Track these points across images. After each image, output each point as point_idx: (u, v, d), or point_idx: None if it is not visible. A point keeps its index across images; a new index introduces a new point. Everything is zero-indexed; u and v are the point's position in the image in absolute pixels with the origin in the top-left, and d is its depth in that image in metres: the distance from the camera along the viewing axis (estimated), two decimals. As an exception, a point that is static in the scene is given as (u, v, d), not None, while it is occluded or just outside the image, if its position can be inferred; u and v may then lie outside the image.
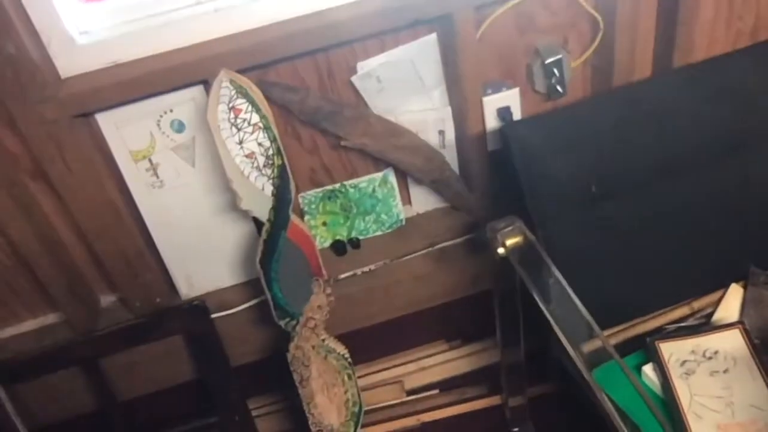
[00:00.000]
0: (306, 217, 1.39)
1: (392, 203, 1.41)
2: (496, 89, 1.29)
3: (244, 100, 1.12)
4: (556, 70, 1.30)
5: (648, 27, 1.29)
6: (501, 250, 1.16)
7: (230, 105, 1.11)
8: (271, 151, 1.16)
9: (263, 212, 1.19)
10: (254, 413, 1.53)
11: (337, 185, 1.38)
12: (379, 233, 1.43)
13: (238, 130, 1.13)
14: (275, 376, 1.41)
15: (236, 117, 1.12)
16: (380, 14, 1.12)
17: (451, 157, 1.37)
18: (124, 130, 1.19)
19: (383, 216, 1.41)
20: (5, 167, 1.17)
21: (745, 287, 1.16)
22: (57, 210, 1.24)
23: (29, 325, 1.39)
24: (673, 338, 1.08)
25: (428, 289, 1.46)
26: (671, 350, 1.07)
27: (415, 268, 1.42)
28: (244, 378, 1.46)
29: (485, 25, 1.23)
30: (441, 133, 1.34)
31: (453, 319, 1.59)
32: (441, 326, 1.62)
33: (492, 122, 1.30)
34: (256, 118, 1.13)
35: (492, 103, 1.28)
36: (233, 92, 1.11)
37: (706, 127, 1.13)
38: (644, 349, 1.11)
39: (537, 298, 1.05)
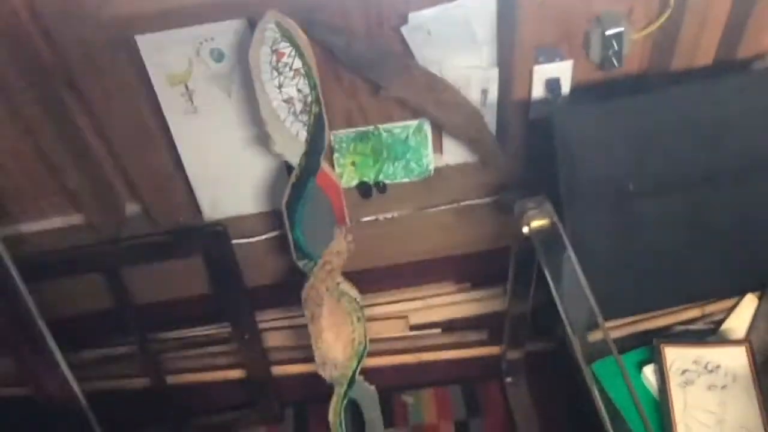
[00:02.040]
0: (335, 155, 1.37)
1: (424, 152, 1.39)
2: (549, 58, 1.23)
3: (288, 45, 1.08)
4: (615, 42, 1.24)
5: (720, 12, 1.22)
6: (525, 230, 1.16)
7: (273, 48, 1.08)
8: (309, 99, 1.14)
9: (295, 157, 1.18)
10: (264, 326, 1.59)
11: (371, 127, 1.35)
12: (406, 180, 1.42)
13: (279, 74, 1.10)
14: (286, 298, 1.46)
15: (278, 61, 1.09)
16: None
17: (490, 117, 1.34)
18: (163, 54, 1.16)
19: (413, 164, 1.40)
20: (39, 75, 1.15)
21: (760, 299, 1.17)
22: (89, 125, 1.24)
23: (54, 222, 1.42)
24: (679, 344, 1.10)
25: (447, 239, 1.48)
26: (674, 356, 1.09)
27: (437, 219, 1.42)
28: (256, 296, 1.50)
29: (549, -13, 1.16)
30: (484, 92, 1.30)
31: (467, 267, 1.62)
32: (453, 270, 1.65)
33: (538, 91, 1.26)
34: (298, 63, 1.10)
35: (542, 72, 1.23)
36: (278, 35, 1.07)
37: (755, 140, 1.09)
38: (649, 347, 1.13)
39: (550, 283, 1.06)
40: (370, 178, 1.42)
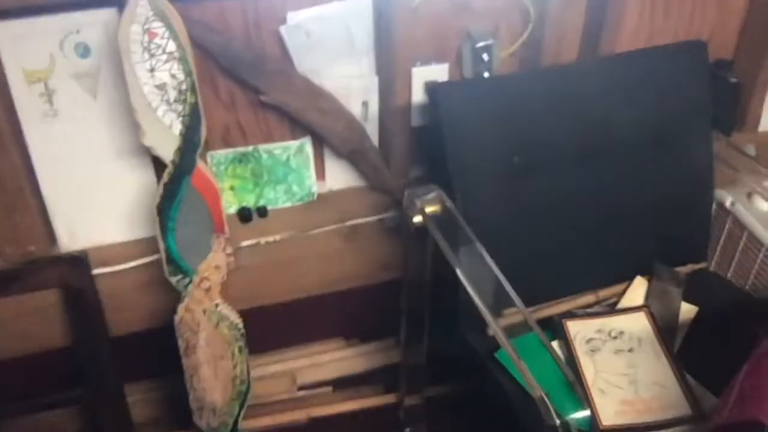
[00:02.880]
0: (212, 179, 1.29)
1: (306, 174, 1.34)
2: (426, 62, 1.26)
3: (161, 24, 1.03)
4: (485, 56, 1.30)
5: (576, 23, 1.32)
6: (418, 218, 1.12)
7: (145, 26, 1.03)
8: (184, 86, 1.08)
9: (168, 152, 1.09)
10: (129, 399, 1.39)
11: (250, 148, 1.30)
12: (288, 204, 1.35)
13: (151, 56, 1.04)
14: (156, 353, 1.29)
15: (150, 41, 1.04)
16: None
17: (373, 131, 1.33)
18: (22, 46, 1.07)
19: (295, 187, 1.34)
20: None
21: (649, 281, 1.17)
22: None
23: None
24: (580, 318, 1.06)
25: (335, 270, 1.39)
26: (577, 328, 1.05)
27: (322, 244, 1.35)
28: (121, 351, 1.32)
29: (420, -3, 1.22)
30: (365, 104, 1.30)
31: (356, 312, 1.53)
32: (342, 319, 1.56)
33: (418, 96, 1.27)
34: (172, 46, 1.05)
35: (420, 74, 1.25)
36: (151, 13, 1.02)
37: (624, 116, 1.15)
38: (551, 329, 1.08)
39: (453, 263, 1.01)
40: (250, 203, 1.34)
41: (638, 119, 1.15)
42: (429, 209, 1.10)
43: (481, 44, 1.29)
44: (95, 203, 1.22)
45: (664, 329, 1.06)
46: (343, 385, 1.55)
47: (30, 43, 1.07)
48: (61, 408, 1.36)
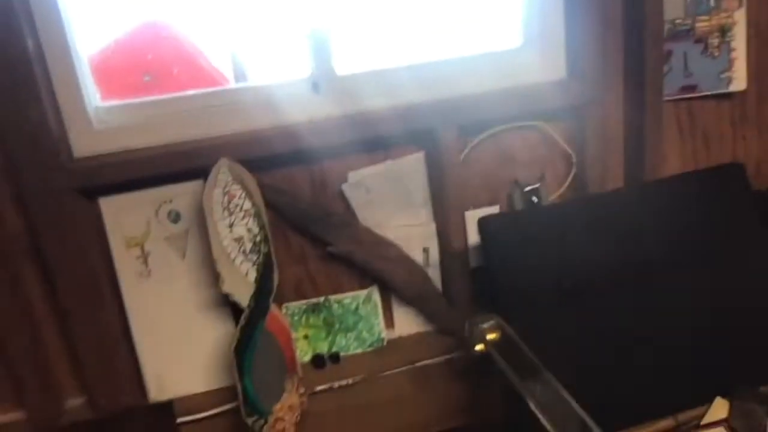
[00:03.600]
0: (288, 329, 1.38)
1: (374, 321, 1.41)
2: (478, 206, 1.37)
3: (239, 187, 1.20)
4: (534, 198, 1.39)
5: (617, 163, 1.41)
6: (480, 346, 1.15)
7: (225, 189, 1.19)
8: (258, 238, 1.21)
9: (244, 298, 1.20)
10: None
11: (322, 299, 1.40)
12: (359, 351, 1.41)
13: (230, 213, 1.20)
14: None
15: (230, 201, 1.20)
16: (369, 124, 1.25)
17: (435, 275, 1.40)
18: (124, 216, 1.25)
19: (365, 334, 1.41)
20: (4, 246, 1.21)
21: (730, 402, 1.13)
22: (43, 294, 1.26)
23: (-11, 422, 1.33)
24: (658, 437, 1.03)
25: (407, 414, 1.40)
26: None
27: (393, 388, 1.38)
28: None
29: (468, 149, 1.35)
30: (425, 250, 1.39)
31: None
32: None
33: (474, 238, 1.36)
34: (248, 204, 1.20)
35: (474, 217, 1.34)
36: (230, 178, 1.19)
37: (668, 236, 1.19)
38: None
39: (521, 390, 1.01)
40: (323, 350, 1.41)
41: (684, 239, 1.18)
42: (489, 336, 1.14)
43: (528, 188, 1.39)
44: (181, 354, 1.32)
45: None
46: None
47: (130, 214, 1.25)
48: None
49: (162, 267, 1.28)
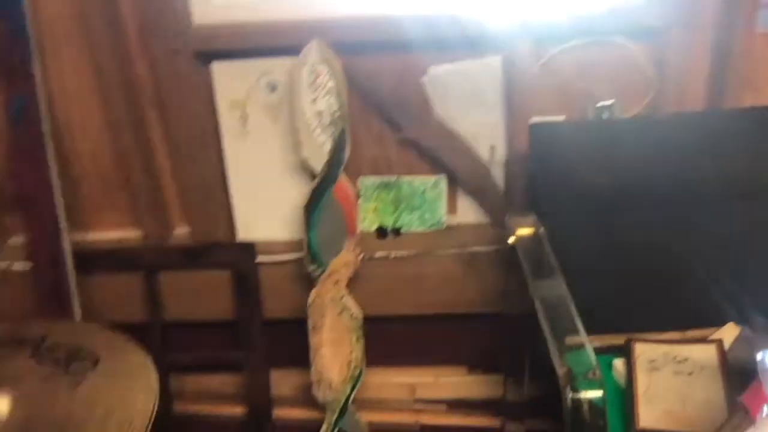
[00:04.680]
0: (360, 200, 1.57)
1: (438, 206, 1.56)
2: (546, 115, 1.44)
3: (325, 66, 1.35)
4: (605, 115, 1.44)
5: (697, 90, 1.41)
6: (511, 239, 1.28)
7: (313, 68, 1.35)
8: (336, 115, 1.38)
9: (319, 165, 1.39)
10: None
11: (394, 178, 1.56)
12: (420, 229, 1.58)
13: (315, 89, 1.36)
14: (296, 341, 1.54)
15: (316, 79, 1.36)
16: (454, 24, 1.34)
17: (498, 173, 1.52)
18: (230, 81, 1.46)
19: (427, 215, 1.57)
20: (132, 91, 1.46)
21: (741, 329, 1.19)
22: (162, 137, 1.51)
23: (114, 234, 1.64)
24: (650, 342, 1.13)
25: (455, 292, 1.56)
26: (644, 349, 1.12)
27: (444, 266, 1.54)
28: (269, 333, 1.61)
29: (545, 58, 1.41)
30: (492, 148, 1.50)
31: (479, 342, 1.66)
32: (466, 347, 1.70)
33: (536, 143, 1.44)
34: (331, 83, 1.36)
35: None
36: (317, 58, 1.35)
37: (725, 168, 1.22)
38: (622, 354, 1.16)
39: (530, 288, 1.13)
40: (388, 223, 1.59)
41: (731, 173, 1.21)
42: (521, 231, 1.26)
43: (601, 104, 1.44)
44: (267, 205, 1.55)
45: (737, 373, 1.08)
46: (458, 406, 1.69)
47: (236, 79, 1.45)
48: (219, 372, 1.68)
49: (257, 129, 1.49)
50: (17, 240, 1.58)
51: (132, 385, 0.82)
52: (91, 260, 1.54)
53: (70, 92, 1.47)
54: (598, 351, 1.07)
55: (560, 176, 1.25)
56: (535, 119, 1.43)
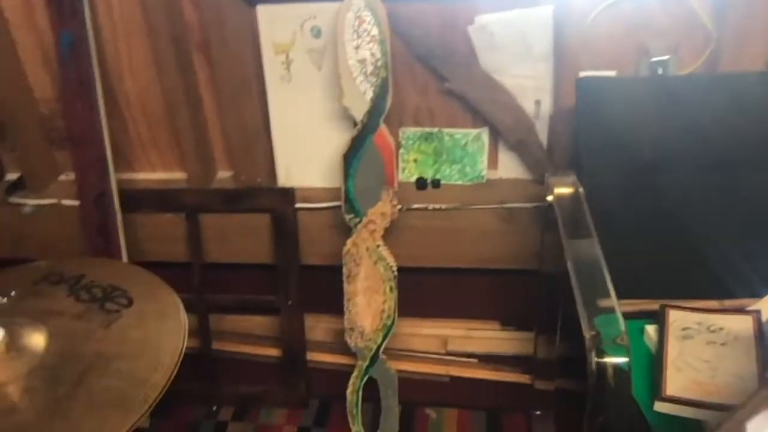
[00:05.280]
0: (401, 150, 1.56)
1: (479, 159, 1.54)
2: (596, 69, 1.39)
3: (369, 13, 1.33)
4: (660, 70, 1.38)
5: (759, 47, 1.34)
6: (550, 197, 1.26)
7: (357, 14, 1.33)
8: (380, 63, 1.36)
9: (360, 113, 1.38)
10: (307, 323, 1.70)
11: (436, 130, 1.54)
12: (459, 182, 1.56)
13: (358, 36, 1.34)
14: (330, 287, 1.56)
15: (360, 25, 1.34)
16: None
17: (542, 128, 1.48)
18: (275, 25, 1.44)
19: (468, 168, 1.55)
20: (179, 32, 1.46)
21: (784, 300, 1.15)
22: (207, 80, 1.52)
23: (159, 175, 1.68)
24: (684, 309, 1.11)
25: (491, 247, 1.55)
26: (677, 317, 1.09)
27: (482, 221, 1.53)
28: (306, 278, 1.63)
29: (599, 9, 1.35)
30: (537, 103, 1.46)
31: (514, 298, 1.66)
32: (501, 304, 1.70)
33: (584, 98, 1.40)
34: (375, 30, 1.34)
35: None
36: (362, 4, 1.32)
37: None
38: (655, 319, 1.14)
39: (564, 245, 1.11)
40: (427, 175, 1.57)
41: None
42: (558, 190, 1.24)
43: (656, 59, 1.38)
44: (307, 152, 1.56)
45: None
46: (488, 360, 1.70)
47: (280, 23, 1.44)
48: (257, 314, 1.72)
49: (301, 75, 1.48)
50: (66, 177, 1.64)
51: (162, 326, 0.84)
52: (136, 199, 1.58)
53: (119, 31, 1.48)
54: (631, 316, 1.07)
55: (605, 134, 1.21)
56: (584, 73, 1.38)
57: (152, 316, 0.87)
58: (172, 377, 0.73)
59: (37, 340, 0.83)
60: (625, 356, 0.87)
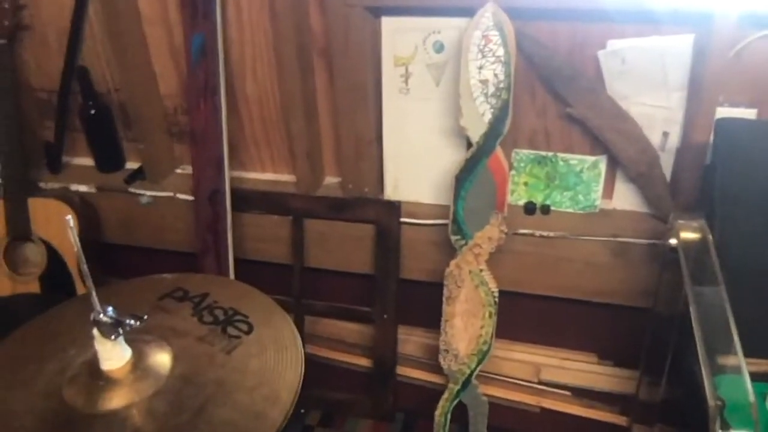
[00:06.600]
0: (512, 172, 1.51)
1: (594, 188, 1.48)
2: (734, 105, 1.30)
3: (496, 33, 1.29)
4: (807, 112, 1.28)
5: None
6: (673, 241, 1.18)
7: (485, 33, 1.30)
8: (502, 85, 1.32)
9: (476, 135, 1.35)
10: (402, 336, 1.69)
11: (551, 154, 1.48)
12: (570, 210, 1.50)
13: (483, 56, 1.31)
14: (428, 304, 1.55)
15: (486, 45, 1.30)
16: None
17: (667, 162, 1.40)
18: (397, 37, 1.43)
19: (580, 196, 1.49)
20: (303, 39, 1.48)
21: None
22: (325, 86, 1.53)
23: (269, 176, 1.71)
24: (819, 379, 1.02)
25: (599, 280, 1.49)
26: (810, 387, 1.01)
27: (591, 252, 1.46)
28: (403, 292, 1.62)
29: (745, 41, 1.27)
30: (665, 134, 1.38)
31: (615, 333, 1.59)
32: (599, 336, 1.63)
33: (718, 136, 1.31)
34: (501, 51, 1.30)
35: (725, 114, 1.29)
36: (491, 23, 1.29)
37: None
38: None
39: (689, 297, 1.04)
40: (537, 199, 1.53)
41: None
42: (684, 234, 1.16)
43: (804, 100, 1.28)
44: (418, 168, 1.54)
45: None
46: (582, 395, 1.64)
47: (403, 35, 1.43)
48: (352, 321, 1.72)
49: (419, 89, 1.46)
50: (182, 171, 1.69)
51: (281, 357, 0.84)
52: (246, 199, 1.62)
53: (245, 35, 1.51)
54: (753, 377, 0.99)
55: (743, 180, 1.13)
56: (722, 110, 1.30)
57: (271, 345, 0.86)
58: (289, 415, 0.72)
59: (162, 360, 0.83)
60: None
